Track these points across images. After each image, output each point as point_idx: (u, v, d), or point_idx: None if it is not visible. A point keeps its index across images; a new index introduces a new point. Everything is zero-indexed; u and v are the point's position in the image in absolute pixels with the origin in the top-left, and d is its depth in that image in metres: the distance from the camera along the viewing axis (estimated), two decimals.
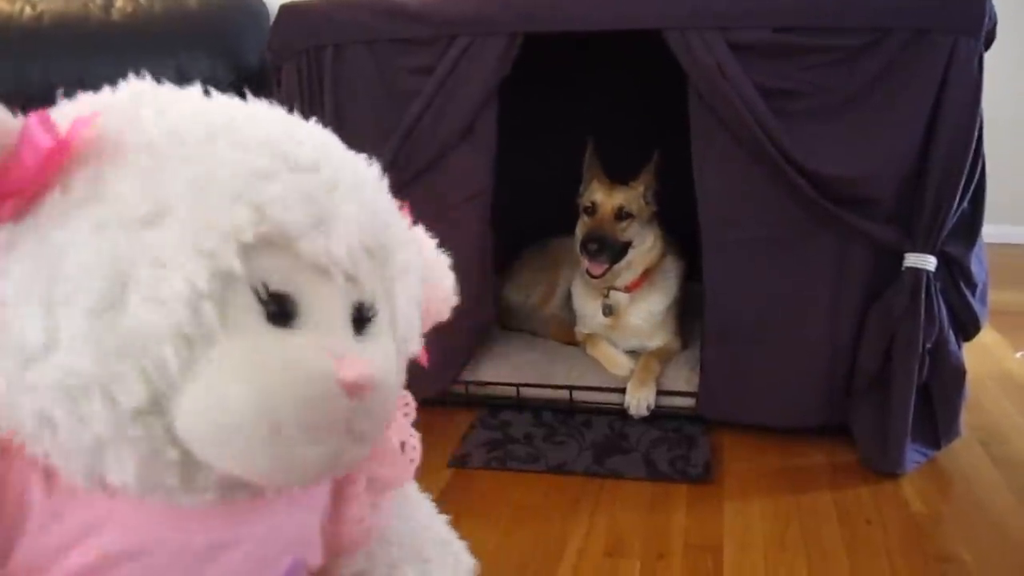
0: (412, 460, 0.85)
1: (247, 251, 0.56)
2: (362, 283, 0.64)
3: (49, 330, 0.53)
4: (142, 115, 0.59)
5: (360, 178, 0.67)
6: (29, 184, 0.53)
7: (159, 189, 0.55)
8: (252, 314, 0.57)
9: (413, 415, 0.87)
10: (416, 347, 0.74)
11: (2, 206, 0.53)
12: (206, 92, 0.65)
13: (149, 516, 0.63)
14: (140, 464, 0.57)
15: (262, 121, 0.64)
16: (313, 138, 0.67)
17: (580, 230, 2.14)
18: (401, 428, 0.85)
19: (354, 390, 0.58)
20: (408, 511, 0.91)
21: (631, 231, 2.08)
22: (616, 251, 2.05)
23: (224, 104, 0.65)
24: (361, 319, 0.65)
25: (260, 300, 0.57)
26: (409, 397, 0.86)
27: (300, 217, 0.58)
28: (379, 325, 0.66)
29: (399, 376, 0.72)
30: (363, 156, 0.72)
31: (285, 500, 0.70)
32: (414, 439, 0.86)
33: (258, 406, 0.55)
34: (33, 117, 0.54)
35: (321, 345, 0.59)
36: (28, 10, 3.14)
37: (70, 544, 0.62)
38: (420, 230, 0.83)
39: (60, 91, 0.61)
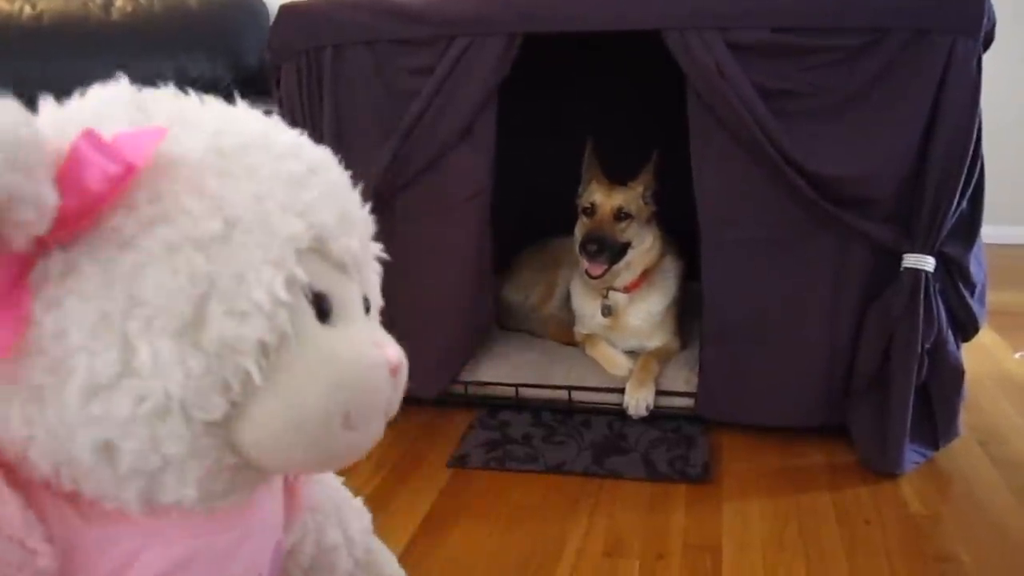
0: None
1: (299, 257, 0.59)
2: (365, 275, 0.69)
3: (124, 359, 0.53)
4: (170, 128, 0.58)
5: (343, 175, 0.70)
6: (92, 210, 0.52)
7: (222, 204, 0.56)
8: (308, 316, 0.60)
9: None
10: None
11: (53, 233, 0.51)
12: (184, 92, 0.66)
13: (182, 527, 0.64)
14: (204, 476, 0.59)
15: (267, 125, 0.66)
16: (301, 140, 0.68)
17: (579, 231, 2.14)
18: None
19: (395, 372, 0.64)
20: (320, 476, 0.91)
21: (630, 231, 2.08)
22: (615, 252, 2.06)
23: (228, 110, 0.66)
24: (367, 310, 0.69)
25: (309, 302, 0.61)
26: None
27: (331, 219, 0.62)
28: (373, 312, 0.71)
29: None
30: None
31: (272, 490, 0.74)
32: None
33: (334, 400, 0.59)
34: (83, 138, 0.52)
35: (367, 336, 0.65)
36: (28, 10, 3.14)
37: (123, 567, 0.62)
38: None
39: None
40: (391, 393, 0.65)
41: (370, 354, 0.63)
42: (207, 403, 0.55)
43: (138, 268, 0.53)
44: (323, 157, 0.67)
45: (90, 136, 0.52)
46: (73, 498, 0.59)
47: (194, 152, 0.57)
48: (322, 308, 0.62)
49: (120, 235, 0.53)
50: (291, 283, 0.58)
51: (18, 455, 0.57)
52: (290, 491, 0.81)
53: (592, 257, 2.02)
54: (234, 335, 0.54)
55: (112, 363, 0.52)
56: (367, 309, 0.68)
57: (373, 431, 0.65)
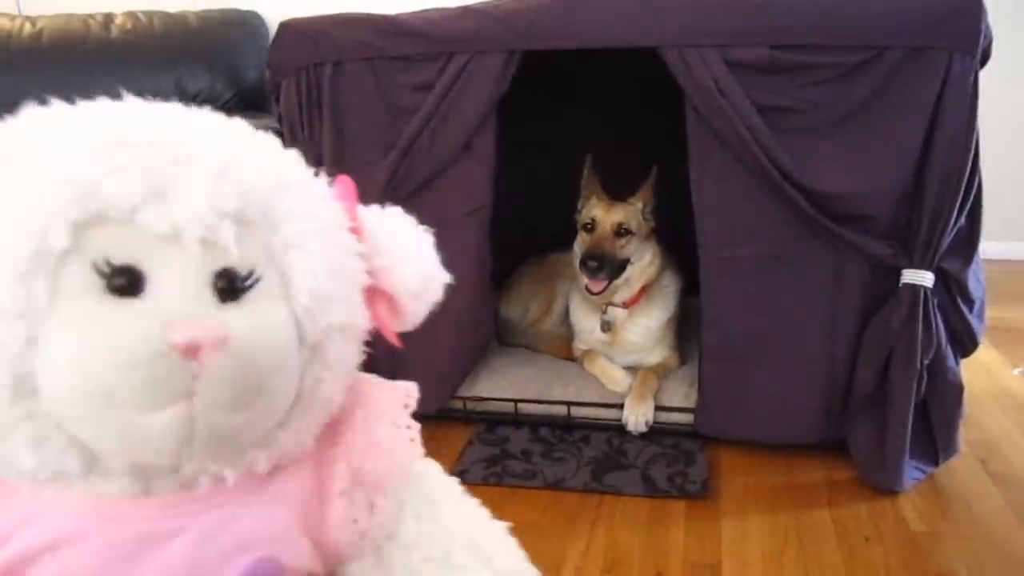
0: (409, 453, 0.82)
1: (80, 228, 0.58)
2: (227, 250, 0.63)
3: None
4: (14, 122, 0.63)
5: (232, 151, 0.67)
6: None
7: None
8: (89, 288, 0.59)
9: (413, 405, 0.83)
10: (342, 320, 0.72)
11: None
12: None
13: (76, 506, 0.64)
14: (34, 449, 0.60)
15: (121, 109, 0.66)
16: (170, 117, 0.68)
17: (579, 247, 2.14)
18: (396, 420, 0.82)
19: (191, 352, 0.58)
20: (431, 512, 0.86)
21: (630, 247, 2.09)
22: (615, 268, 2.06)
23: (91, 104, 0.66)
24: (234, 288, 0.64)
25: (102, 274, 0.59)
26: (412, 388, 0.84)
27: (133, 190, 0.60)
28: (263, 292, 0.66)
29: (326, 349, 0.71)
30: (261, 133, 0.74)
31: (234, 493, 0.69)
32: (411, 431, 0.82)
33: (85, 373, 0.57)
34: None
35: (160, 311, 0.60)
36: (28, 27, 3.16)
37: (4, 538, 0.64)
38: (384, 212, 0.82)
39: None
40: (186, 375, 0.59)
41: (136, 329, 0.58)
42: None
43: None
44: (171, 130, 0.65)
45: None
46: None
47: (3, 137, 0.61)
48: (129, 281, 0.60)
49: None
50: (52, 253, 0.57)
51: None
52: (322, 515, 0.76)
53: (592, 274, 2.03)
54: None
55: None
56: (237, 289, 0.65)
57: (178, 415, 0.59)
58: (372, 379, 0.83)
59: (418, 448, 0.82)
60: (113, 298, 0.59)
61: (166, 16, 3.19)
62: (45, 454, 0.60)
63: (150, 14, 3.19)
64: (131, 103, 0.68)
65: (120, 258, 0.60)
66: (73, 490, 0.63)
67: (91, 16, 3.19)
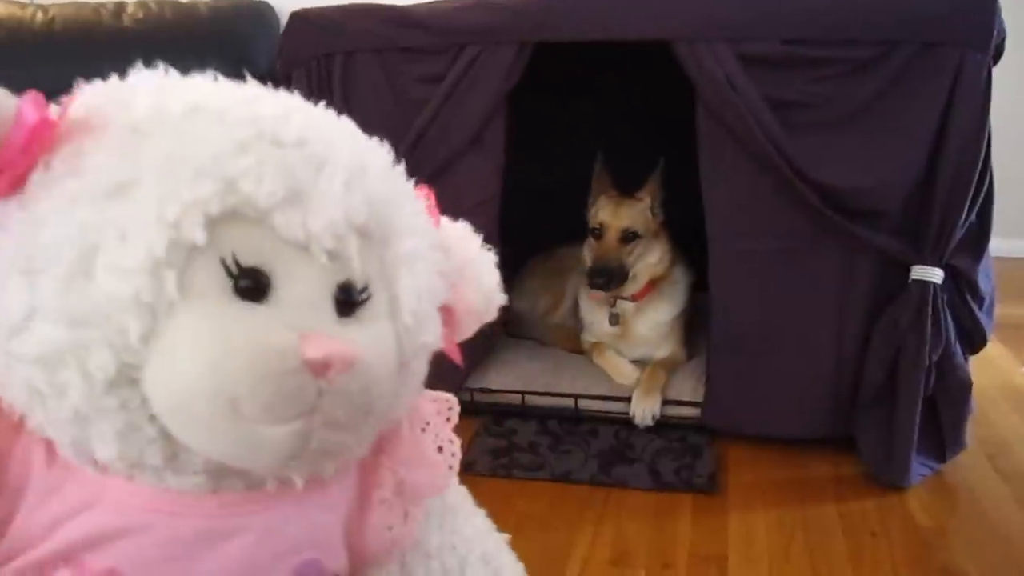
0: (450, 467, 0.81)
1: (215, 223, 0.56)
2: (350, 263, 0.62)
3: (29, 300, 0.54)
4: (131, 96, 0.60)
5: (361, 160, 0.65)
6: (16, 160, 0.55)
7: (130, 162, 0.56)
8: (218, 287, 0.56)
9: (455, 419, 0.83)
10: (432, 340, 0.71)
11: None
12: (215, 79, 0.65)
13: (140, 497, 0.62)
14: (119, 439, 0.57)
15: (258, 100, 0.63)
16: (309, 117, 0.66)
17: (587, 254, 2.15)
18: (439, 432, 0.81)
19: (321, 370, 0.57)
20: (453, 524, 0.87)
21: (637, 251, 2.09)
22: (622, 276, 2.07)
23: (226, 87, 0.64)
24: (350, 301, 0.63)
25: (229, 273, 0.57)
26: (453, 400, 0.83)
27: (274, 190, 0.57)
28: (373, 309, 0.64)
29: (413, 369, 0.70)
30: (376, 141, 0.73)
31: (293, 496, 0.67)
32: (454, 445, 0.81)
33: (213, 379, 0.54)
34: (26, 97, 0.55)
35: (288, 320, 0.58)
36: (40, 15, 3.16)
37: (63, 519, 0.62)
38: (459, 227, 0.82)
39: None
40: (314, 392, 0.57)
41: (273, 340, 0.56)
42: (95, 357, 0.54)
43: (45, 218, 0.55)
44: (311, 130, 0.63)
45: (33, 97, 0.55)
46: (50, 443, 0.61)
47: (129, 115, 0.58)
48: (255, 284, 0.58)
49: (37, 187, 0.56)
50: (187, 247, 0.55)
51: None
52: (362, 520, 0.76)
53: (600, 287, 2.06)
54: (113, 290, 0.53)
55: (22, 305, 0.54)
56: (353, 303, 0.63)
57: (297, 430, 0.58)
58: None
59: (457, 462, 0.81)
60: (240, 301, 0.57)
61: (177, 5, 3.19)
62: (128, 445, 0.58)
63: (161, 3, 3.19)
64: (263, 91, 0.66)
65: (248, 259, 0.57)
66: (139, 481, 0.62)
67: (103, 5, 3.19)
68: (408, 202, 0.71)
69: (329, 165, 0.61)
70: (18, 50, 3.03)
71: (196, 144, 0.57)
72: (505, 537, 0.94)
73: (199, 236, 0.55)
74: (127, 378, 0.55)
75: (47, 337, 0.54)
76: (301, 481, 0.66)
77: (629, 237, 2.08)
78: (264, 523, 0.67)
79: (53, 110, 0.57)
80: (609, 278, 2.04)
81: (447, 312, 0.75)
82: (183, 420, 0.56)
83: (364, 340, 0.61)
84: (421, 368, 0.72)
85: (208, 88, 0.63)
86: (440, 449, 0.80)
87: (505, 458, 1.86)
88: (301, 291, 0.59)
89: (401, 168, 0.73)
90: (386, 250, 0.66)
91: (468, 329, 0.80)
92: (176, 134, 0.57)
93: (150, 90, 0.61)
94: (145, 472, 0.61)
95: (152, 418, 0.57)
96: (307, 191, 0.59)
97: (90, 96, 0.60)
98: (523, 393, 2.09)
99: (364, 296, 0.63)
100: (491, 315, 0.82)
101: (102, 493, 0.62)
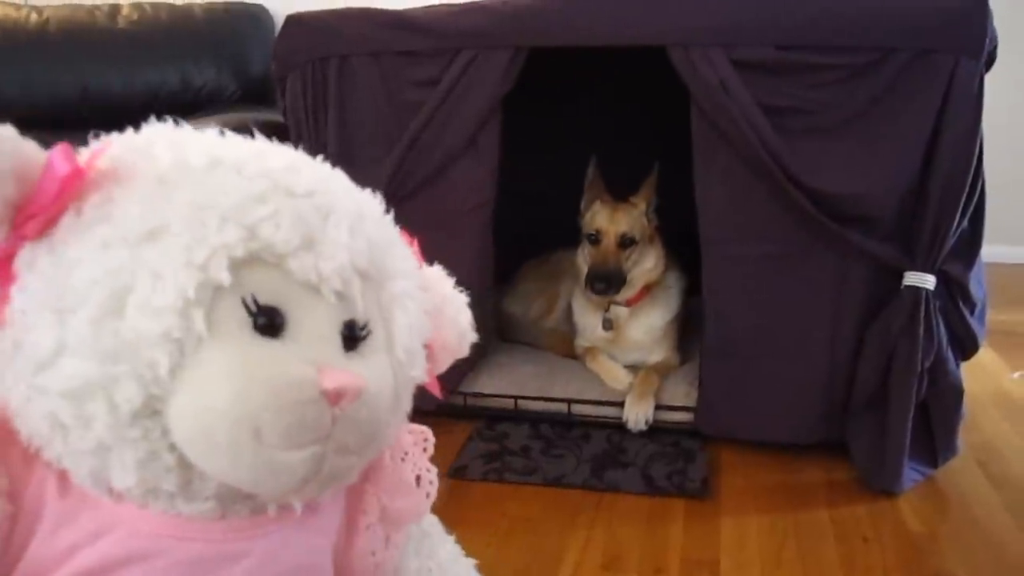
0: (428, 495, 0.86)
1: (238, 266, 0.61)
2: (354, 303, 0.67)
3: (59, 337, 0.58)
4: (155, 148, 0.65)
5: (359, 209, 0.71)
6: (48, 207, 0.59)
7: (160, 210, 0.61)
8: (240, 324, 0.61)
9: (431, 450, 0.89)
10: (419, 374, 0.77)
11: (24, 227, 0.60)
12: (221, 133, 0.71)
13: (151, 523, 0.66)
14: (139, 467, 0.61)
15: (266, 154, 0.69)
16: (314, 170, 0.71)
17: (583, 260, 2.15)
18: (417, 461, 0.87)
19: (336, 398, 0.62)
20: (428, 549, 0.92)
21: (634, 256, 2.10)
22: (621, 281, 2.08)
23: (234, 141, 0.70)
24: (353, 337, 0.68)
25: (249, 312, 0.62)
26: (428, 433, 0.89)
27: (290, 237, 0.63)
28: (372, 345, 0.70)
29: (402, 400, 0.75)
30: (368, 191, 0.77)
31: (293, 521, 0.72)
32: (431, 473, 0.87)
33: (240, 409, 0.59)
34: (56, 149, 0.60)
35: (305, 355, 0.63)
36: (35, 17, 3.15)
37: (79, 546, 0.65)
38: (435, 269, 0.87)
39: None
40: (329, 420, 0.62)
41: (294, 372, 0.61)
42: (123, 390, 0.58)
43: (76, 261, 0.59)
44: (318, 182, 0.69)
45: (63, 149, 0.60)
46: (63, 474, 0.65)
47: (154, 166, 0.64)
48: (272, 322, 0.62)
49: (68, 232, 0.61)
50: (213, 287, 0.60)
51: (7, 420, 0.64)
52: (348, 545, 0.80)
53: (600, 293, 2.06)
54: (145, 328, 0.58)
55: (50, 340, 0.59)
56: (356, 339, 0.68)
57: (313, 455, 0.63)
58: None
59: (435, 490, 0.87)
60: (259, 337, 0.62)
61: (172, 8, 3.18)
62: (147, 472, 0.62)
63: (156, 6, 3.18)
64: (269, 145, 0.72)
65: (266, 299, 0.62)
66: (152, 508, 0.66)
67: (97, 7, 3.18)
68: (399, 247, 0.77)
69: (335, 213, 0.67)
70: (12, 51, 3.02)
71: (219, 194, 0.62)
72: (472, 562, 0.99)
73: (225, 277, 0.60)
74: (151, 409, 0.59)
75: (77, 372, 0.58)
76: (300, 506, 0.70)
77: (626, 243, 2.08)
78: (266, 547, 0.71)
79: (81, 160, 0.62)
80: (608, 284, 2.05)
81: (427, 348, 0.81)
82: (205, 447, 0.60)
83: (368, 372, 0.66)
84: (408, 400, 0.77)
85: (220, 142, 0.69)
86: (418, 478, 0.86)
87: (497, 462, 1.86)
88: (313, 328, 0.65)
89: (391, 216, 0.78)
90: (382, 290, 0.71)
91: (443, 364, 0.87)
92: (200, 185, 0.63)
93: (169, 143, 0.66)
94: (159, 499, 0.65)
95: (171, 447, 0.61)
96: (318, 238, 0.65)
97: (114, 147, 0.65)
98: (516, 397, 2.09)
99: (365, 333, 0.69)
100: (464, 352, 0.88)
101: (115, 520, 0.66)
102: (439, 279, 0.87)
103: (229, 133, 0.70)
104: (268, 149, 0.71)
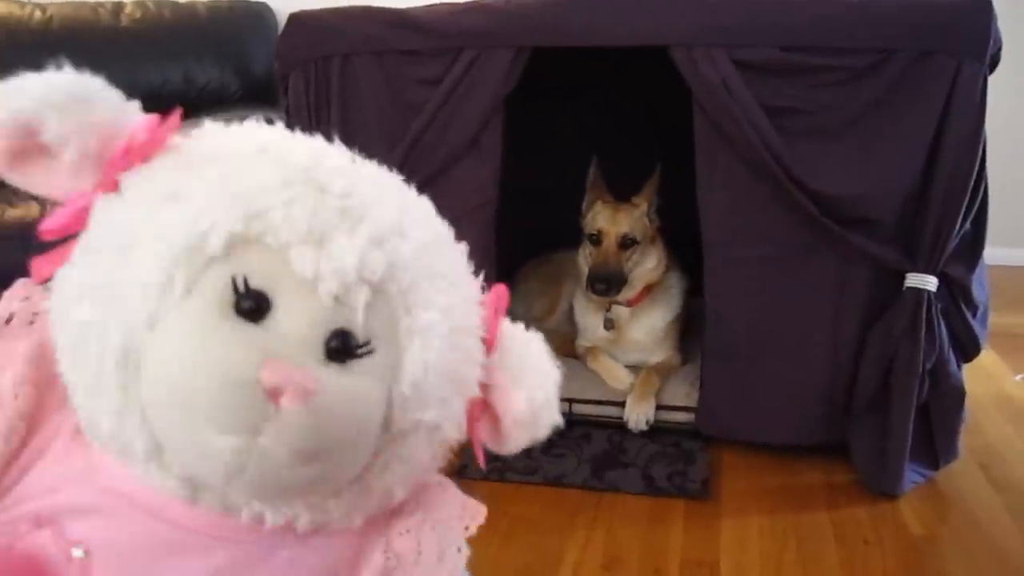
0: (449, 574, 0.77)
1: (239, 243, 0.61)
2: (353, 313, 0.63)
3: (81, 283, 0.62)
4: (224, 133, 0.68)
5: (402, 228, 0.67)
6: (118, 164, 0.63)
7: (189, 180, 0.62)
8: (221, 299, 0.60)
9: (473, 530, 0.80)
10: (435, 421, 0.70)
11: (104, 180, 0.64)
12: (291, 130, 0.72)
13: (127, 485, 0.66)
14: (115, 417, 0.62)
15: (323, 154, 0.68)
16: (367, 179, 0.70)
17: (585, 260, 2.15)
18: (449, 536, 0.79)
19: (274, 394, 0.58)
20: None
21: (636, 257, 2.10)
22: (622, 282, 2.08)
23: (290, 136, 0.70)
24: (346, 350, 0.64)
25: (236, 291, 0.61)
26: (480, 512, 0.82)
27: (298, 227, 0.62)
28: (368, 367, 0.65)
29: (415, 450, 0.70)
30: (443, 222, 0.76)
31: (267, 540, 0.68)
32: (460, 555, 0.78)
33: (178, 376, 0.59)
34: (145, 117, 0.65)
35: (270, 345, 0.60)
36: (38, 14, 3.16)
37: (60, 485, 0.67)
38: (523, 333, 0.81)
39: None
40: (254, 409, 0.59)
41: (235, 354, 0.59)
42: (110, 336, 0.60)
43: (110, 210, 0.63)
44: (362, 188, 0.67)
45: (150, 119, 0.65)
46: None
47: (208, 145, 0.67)
48: (256, 306, 0.61)
49: (128, 180, 0.64)
50: (205, 255, 0.60)
51: None
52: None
53: (601, 294, 2.06)
54: (134, 276, 0.60)
55: (81, 279, 0.62)
56: (348, 352, 0.64)
57: (240, 445, 0.59)
58: (448, 486, 0.83)
59: (459, 573, 0.79)
60: (236, 318, 0.61)
61: (175, 6, 3.18)
62: (120, 428, 0.62)
63: (160, 3, 3.18)
64: (342, 152, 0.71)
65: (257, 281, 0.61)
66: (132, 469, 0.66)
67: (101, 4, 3.18)
68: (447, 281, 0.71)
69: (363, 222, 0.64)
70: (16, 49, 3.02)
71: (248, 174, 0.63)
72: None
73: (215, 246, 0.60)
74: (131, 361, 0.60)
75: (82, 312, 0.61)
76: (269, 521, 0.67)
77: (627, 243, 2.08)
78: (230, 557, 0.68)
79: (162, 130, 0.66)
80: (609, 285, 2.05)
81: (493, 416, 0.77)
82: (154, 408, 0.61)
83: (336, 385, 0.62)
84: (423, 448, 0.71)
85: (287, 137, 0.70)
86: (444, 555, 0.77)
87: (498, 462, 1.86)
88: (295, 324, 0.62)
89: (462, 251, 0.76)
90: (405, 315, 0.67)
91: (515, 441, 0.80)
92: (238, 164, 0.64)
93: (242, 128, 0.69)
94: (134, 462, 0.64)
95: (142, 408, 0.61)
96: (329, 236, 0.63)
97: (200, 128, 0.69)
98: None
99: (364, 351, 0.64)
100: (540, 431, 0.80)
101: (97, 472, 0.67)
102: (524, 342, 0.81)
103: (323, 140, 0.71)
104: (333, 151, 0.70)
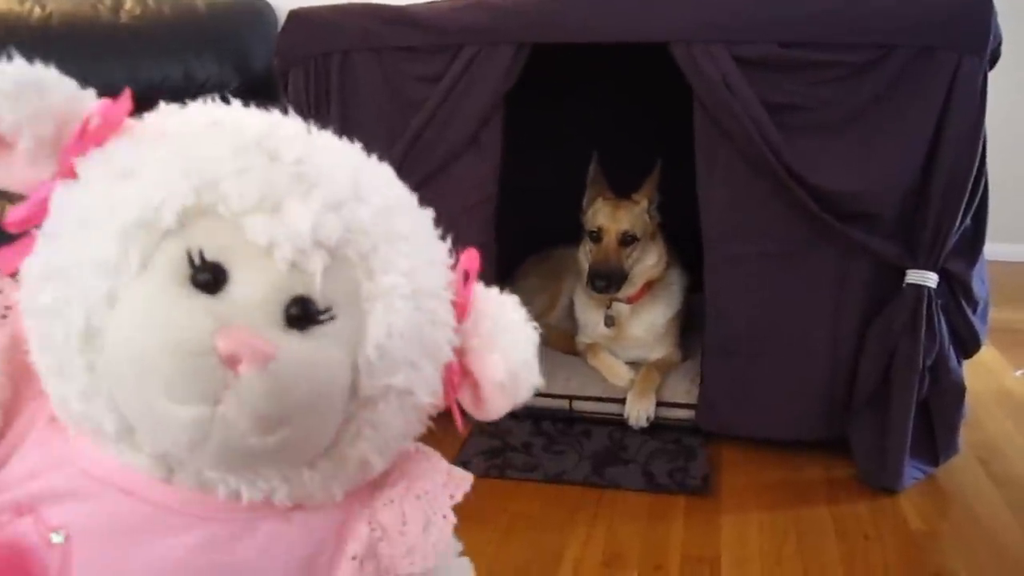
0: (434, 546, 0.76)
1: (192, 215, 0.61)
2: (311, 279, 0.63)
3: (47, 260, 0.63)
4: (170, 112, 0.68)
5: (358, 192, 0.67)
6: (75, 149, 0.64)
7: (143, 156, 0.63)
8: (176, 272, 0.60)
9: (459, 498, 0.80)
10: (404, 385, 0.68)
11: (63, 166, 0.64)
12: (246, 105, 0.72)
13: (102, 468, 0.66)
14: (83, 399, 0.62)
15: (277, 125, 0.68)
16: (321, 146, 0.70)
17: (585, 257, 2.15)
18: (434, 505, 0.78)
19: (231, 361, 0.58)
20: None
21: (636, 254, 2.10)
22: (622, 279, 2.08)
23: (245, 111, 0.70)
24: (306, 316, 0.63)
25: (192, 263, 0.61)
26: (466, 481, 0.81)
27: (251, 196, 0.62)
28: (329, 332, 0.64)
29: (385, 415, 0.68)
30: (402, 185, 0.74)
31: (246, 516, 0.68)
32: (446, 523, 0.77)
33: (133, 347, 0.59)
34: (100, 102, 0.65)
35: (225, 313, 0.60)
36: (37, 11, 3.15)
37: (38, 472, 0.67)
38: (499, 296, 0.79)
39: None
40: (212, 377, 0.58)
41: (188, 321, 0.59)
42: (72, 314, 0.60)
43: (69, 193, 0.63)
44: (316, 157, 0.67)
45: (104, 103, 0.65)
46: None
47: (169, 122, 0.67)
48: (213, 278, 0.61)
49: (81, 173, 0.64)
50: (158, 229, 0.60)
51: None
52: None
53: (601, 291, 2.07)
54: (90, 254, 0.60)
55: (43, 260, 0.63)
56: (308, 319, 0.63)
57: (189, 414, 0.59)
58: (431, 456, 0.81)
59: (445, 542, 0.78)
60: (192, 289, 0.61)
61: (175, 2, 3.17)
62: (89, 408, 0.63)
63: (159, 0, 3.18)
64: (297, 123, 0.71)
65: (212, 253, 0.61)
66: (106, 450, 0.66)
67: (100, 0, 3.18)
68: (409, 244, 0.70)
69: (318, 187, 0.64)
70: (15, 45, 3.02)
71: (200, 147, 0.63)
72: None
73: (167, 220, 0.60)
74: (95, 341, 0.60)
75: (45, 294, 0.61)
76: (246, 496, 0.66)
77: (628, 240, 2.08)
78: (210, 534, 0.67)
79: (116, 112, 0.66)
80: (609, 282, 2.05)
81: (472, 382, 0.75)
82: (118, 385, 0.61)
83: (297, 351, 0.61)
84: (395, 415, 0.69)
85: (241, 112, 0.70)
86: (429, 525, 0.77)
87: (499, 459, 1.86)
88: (251, 292, 0.61)
89: (427, 215, 0.74)
90: (367, 280, 0.66)
91: (496, 405, 0.77)
92: (190, 138, 0.64)
93: (201, 110, 0.69)
94: (107, 442, 0.65)
95: (109, 387, 0.62)
96: (283, 204, 0.62)
97: (156, 112, 0.69)
98: None
99: (326, 317, 0.64)
100: (521, 393, 0.77)
101: (73, 456, 0.67)
102: (499, 305, 0.79)
103: (252, 108, 0.70)
104: (286, 123, 0.70)
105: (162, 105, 0.70)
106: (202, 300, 0.60)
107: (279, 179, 0.63)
